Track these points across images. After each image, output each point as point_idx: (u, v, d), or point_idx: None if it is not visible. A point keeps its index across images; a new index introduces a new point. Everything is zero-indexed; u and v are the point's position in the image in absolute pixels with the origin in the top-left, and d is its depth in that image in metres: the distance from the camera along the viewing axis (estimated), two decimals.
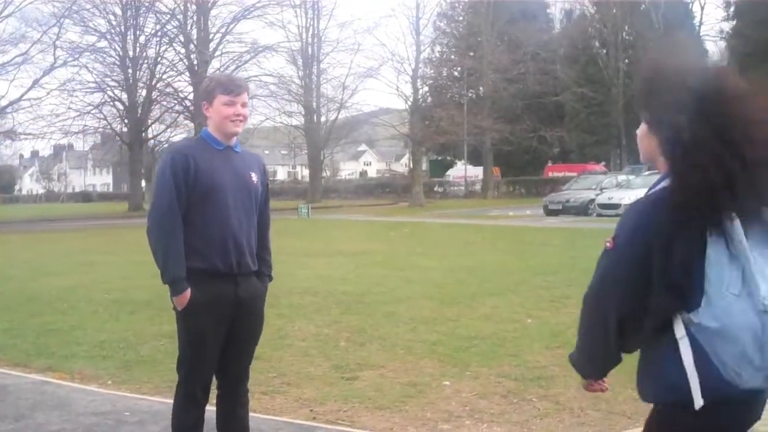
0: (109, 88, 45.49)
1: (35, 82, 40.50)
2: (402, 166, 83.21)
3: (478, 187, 53.36)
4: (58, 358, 6.86)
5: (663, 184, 2.11)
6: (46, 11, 40.65)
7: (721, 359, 1.98)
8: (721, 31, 52.81)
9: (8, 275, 13.20)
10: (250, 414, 4.04)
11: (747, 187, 1.98)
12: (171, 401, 5.42)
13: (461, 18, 54.71)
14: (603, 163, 53.47)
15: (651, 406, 2.26)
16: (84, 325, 8.42)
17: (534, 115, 50.36)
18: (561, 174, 49.55)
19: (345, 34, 55.65)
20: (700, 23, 56.24)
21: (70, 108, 43.32)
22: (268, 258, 3.93)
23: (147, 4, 44.03)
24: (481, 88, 51.22)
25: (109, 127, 48.20)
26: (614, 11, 54.32)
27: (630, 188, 30.38)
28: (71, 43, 42.17)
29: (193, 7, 42.25)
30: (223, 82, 3.73)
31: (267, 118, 45.69)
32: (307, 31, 49.04)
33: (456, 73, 53.22)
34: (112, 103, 46.04)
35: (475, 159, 54.70)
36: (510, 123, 48.05)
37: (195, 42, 42.13)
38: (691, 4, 56.24)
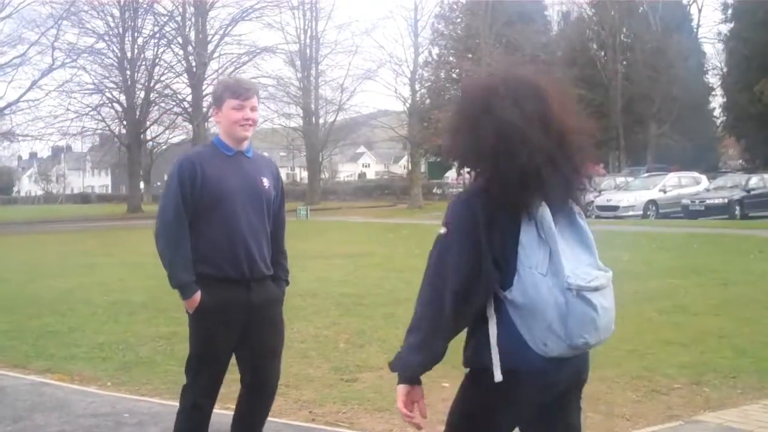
0: (107, 90, 45.52)
1: (33, 83, 40.50)
2: (400, 168, 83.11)
3: None
4: (57, 360, 6.86)
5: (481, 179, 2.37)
6: (44, 12, 40.57)
7: (530, 331, 2.23)
8: (719, 34, 52.90)
9: (7, 277, 13.19)
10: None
11: (553, 179, 2.24)
12: (170, 402, 5.44)
13: (459, 20, 54.71)
14: (601, 164, 53.54)
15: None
16: (83, 326, 8.42)
17: None
18: None
19: (343, 36, 55.94)
20: (698, 25, 56.35)
21: (68, 109, 43.41)
22: (284, 262, 3.91)
23: (145, 6, 44.06)
24: None
25: (107, 128, 48.21)
26: (612, 13, 54.31)
27: (629, 190, 30.40)
28: (69, 45, 42.15)
29: (192, 8, 42.27)
30: (231, 85, 3.69)
31: (265, 120, 45.58)
32: (305, 32, 49.00)
33: (454, 75, 53.21)
34: (110, 105, 46.07)
35: None
36: None
37: (193, 43, 42.13)
38: (689, 6, 56.27)
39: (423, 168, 57.03)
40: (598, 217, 28.40)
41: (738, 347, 6.75)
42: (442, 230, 2.36)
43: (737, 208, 26.94)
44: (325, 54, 49.55)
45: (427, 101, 49.80)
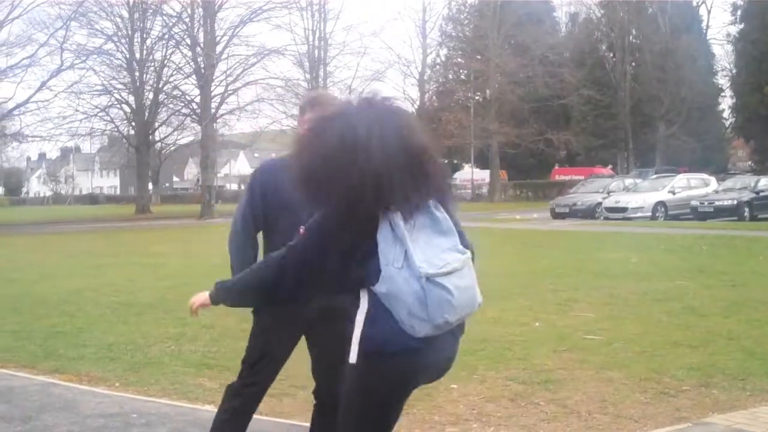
0: (116, 91, 45.73)
1: (42, 84, 40.71)
2: None
3: (485, 190, 53.33)
4: (65, 360, 6.87)
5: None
6: (53, 14, 40.72)
7: (399, 316, 2.57)
8: (729, 35, 52.85)
9: (15, 278, 13.24)
10: (258, 416, 4.02)
11: (392, 188, 2.56)
12: (178, 403, 5.46)
13: (467, 21, 54.76)
14: (610, 166, 53.41)
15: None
16: (91, 327, 8.43)
17: (541, 118, 50.35)
18: (568, 177, 49.52)
19: (351, 37, 56.05)
20: (707, 26, 56.34)
21: (77, 110, 43.63)
22: None
23: (154, 7, 44.18)
24: (487, 91, 51.24)
25: (116, 129, 48.44)
26: (621, 15, 54.26)
27: (637, 192, 30.30)
28: (78, 46, 42.34)
29: (200, 10, 42.26)
30: (309, 99, 3.81)
31: (274, 121, 45.65)
32: (313, 34, 49.02)
33: (462, 77, 53.27)
34: (119, 106, 46.28)
35: (481, 162, 54.68)
36: (517, 126, 48.06)
37: (202, 45, 42.14)
38: (698, 8, 56.20)
39: None
40: (606, 218, 28.35)
41: (747, 349, 6.71)
42: (302, 230, 2.83)
43: (746, 209, 26.82)
44: (334, 55, 49.62)
45: (436, 102, 49.87)
